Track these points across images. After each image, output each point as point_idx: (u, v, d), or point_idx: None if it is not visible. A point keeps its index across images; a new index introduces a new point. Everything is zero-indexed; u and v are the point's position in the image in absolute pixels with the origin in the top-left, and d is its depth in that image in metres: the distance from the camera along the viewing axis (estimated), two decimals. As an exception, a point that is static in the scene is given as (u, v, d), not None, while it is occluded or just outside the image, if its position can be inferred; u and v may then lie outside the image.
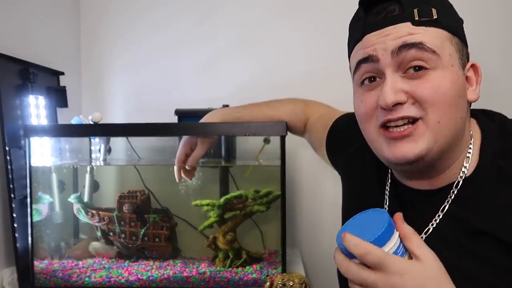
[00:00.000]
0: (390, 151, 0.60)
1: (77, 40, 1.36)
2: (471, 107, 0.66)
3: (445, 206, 0.62)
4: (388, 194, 0.71)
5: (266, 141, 1.00)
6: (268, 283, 0.74)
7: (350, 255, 0.52)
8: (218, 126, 0.92)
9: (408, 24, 0.58)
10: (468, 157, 0.62)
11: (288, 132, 0.95)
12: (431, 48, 0.57)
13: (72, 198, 1.01)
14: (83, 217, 1.00)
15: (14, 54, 1.00)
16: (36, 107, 1.06)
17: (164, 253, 0.99)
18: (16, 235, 0.95)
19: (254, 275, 0.94)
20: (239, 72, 1.33)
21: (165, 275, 0.95)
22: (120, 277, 0.95)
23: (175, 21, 1.34)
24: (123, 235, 0.98)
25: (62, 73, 1.22)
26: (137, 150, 1.10)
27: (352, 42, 0.65)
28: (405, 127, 0.58)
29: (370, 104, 0.61)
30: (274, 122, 0.94)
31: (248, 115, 0.94)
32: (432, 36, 0.58)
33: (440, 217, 0.62)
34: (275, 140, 0.93)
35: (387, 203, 0.70)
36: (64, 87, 1.19)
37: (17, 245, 0.96)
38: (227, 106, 1.10)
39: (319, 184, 1.31)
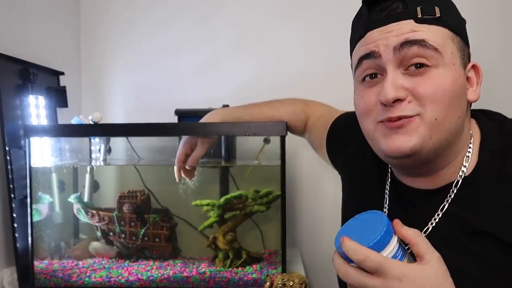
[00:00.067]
0: (387, 144, 0.60)
1: (77, 40, 1.37)
2: (471, 108, 0.66)
3: (445, 205, 0.62)
4: (388, 193, 0.71)
5: (266, 141, 1.00)
6: (268, 283, 0.74)
7: (348, 259, 0.52)
8: (218, 126, 0.92)
9: (411, 21, 0.58)
10: (468, 156, 0.62)
11: (288, 132, 0.95)
12: (433, 45, 0.57)
13: (72, 198, 1.01)
14: (83, 217, 1.00)
15: (14, 54, 1.00)
16: (36, 107, 1.06)
17: (164, 253, 0.99)
18: (16, 235, 0.95)
19: (254, 275, 0.94)
20: (239, 72, 1.33)
21: (165, 275, 0.95)
22: (120, 277, 0.95)
23: (176, 21, 1.34)
24: (123, 235, 0.98)
25: (62, 73, 1.22)
26: (137, 150, 1.10)
27: (355, 40, 0.65)
28: (402, 120, 0.58)
29: (370, 100, 0.61)
30: (274, 122, 0.94)
31: (248, 115, 0.94)
32: (434, 34, 0.58)
33: (440, 216, 0.62)
34: (275, 140, 0.93)
35: (387, 202, 0.70)
36: (64, 87, 1.19)
37: (17, 245, 0.96)
38: (227, 106, 1.10)
39: (319, 184, 1.31)
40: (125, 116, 1.36)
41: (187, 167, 0.92)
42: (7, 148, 0.94)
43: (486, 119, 0.67)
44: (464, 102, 0.61)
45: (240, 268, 0.96)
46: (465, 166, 0.62)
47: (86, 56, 1.38)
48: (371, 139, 0.64)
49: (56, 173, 1.02)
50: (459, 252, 0.58)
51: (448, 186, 0.62)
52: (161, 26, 1.35)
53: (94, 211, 0.99)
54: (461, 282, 0.51)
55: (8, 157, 0.94)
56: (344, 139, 0.85)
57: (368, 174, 0.76)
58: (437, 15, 0.58)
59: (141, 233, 0.98)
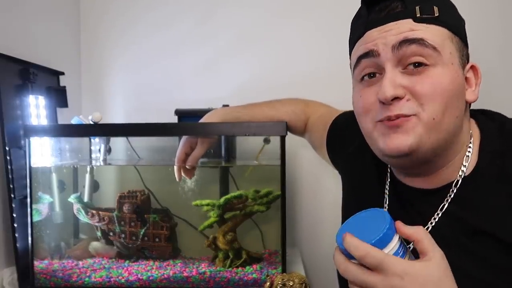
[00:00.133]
0: (385, 143, 0.60)
1: (77, 40, 1.37)
2: (471, 108, 0.66)
3: (444, 205, 0.62)
4: (387, 193, 0.71)
5: (266, 141, 1.00)
6: (268, 283, 0.74)
7: (349, 256, 0.52)
8: (218, 126, 0.92)
9: (410, 20, 0.59)
10: (468, 156, 0.62)
11: (288, 132, 0.95)
12: (432, 44, 0.57)
13: (72, 198, 1.01)
14: (83, 217, 1.00)
15: (14, 54, 1.00)
16: (36, 107, 1.06)
17: (164, 253, 0.99)
18: (16, 235, 0.95)
19: (254, 275, 0.94)
20: (239, 72, 1.33)
21: (165, 275, 0.95)
22: (120, 277, 0.95)
23: (176, 21, 1.34)
24: (123, 235, 0.98)
25: (62, 73, 1.22)
26: (137, 150, 1.10)
27: (354, 39, 0.66)
28: (400, 119, 0.58)
29: (369, 99, 0.62)
30: (274, 122, 0.94)
31: (248, 115, 0.94)
32: (433, 33, 0.58)
33: (439, 216, 0.62)
34: (275, 140, 0.93)
35: (387, 202, 0.70)
36: (64, 87, 1.19)
37: (17, 245, 0.96)
38: (227, 106, 1.10)
39: (319, 184, 1.31)
40: (125, 116, 1.36)
41: (187, 166, 0.92)
42: (7, 148, 0.94)
43: (486, 119, 0.67)
44: (463, 102, 0.61)
45: (240, 268, 0.96)
46: (465, 166, 0.62)
47: (86, 56, 1.38)
48: (369, 138, 0.64)
49: (56, 173, 1.02)
50: (459, 252, 0.58)
51: (448, 186, 0.62)
52: (161, 26, 1.35)
53: (94, 211, 0.99)
54: (461, 282, 0.51)
55: (8, 157, 0.94)
56: (344, 139, 0.85)
57: (367, 174, 0.76)
58: (436, 15, 0.58)
59: (141, 233, 0.98)
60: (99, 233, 1.01)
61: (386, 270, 0.48)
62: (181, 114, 1.13)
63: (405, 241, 0.54)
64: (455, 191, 0.62)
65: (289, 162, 1.04)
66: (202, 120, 0.94)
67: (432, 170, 0.63)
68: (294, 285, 0.72)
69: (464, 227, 0.59)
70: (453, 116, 0.59)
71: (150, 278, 0.95)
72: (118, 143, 1.09)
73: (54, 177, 1.02)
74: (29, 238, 0.95)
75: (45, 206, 0.99)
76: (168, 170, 0.96)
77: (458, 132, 0.61)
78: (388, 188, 0.71)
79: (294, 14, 1.31)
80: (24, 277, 0.95)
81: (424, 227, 0.62)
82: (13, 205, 0.95)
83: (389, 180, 0.71)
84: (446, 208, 0.62)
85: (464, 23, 0.64)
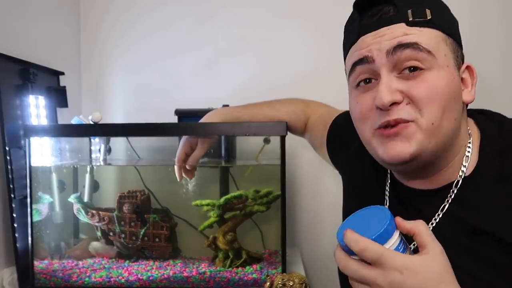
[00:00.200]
0: (385, 151, 0.60)
1: (77, 40, 1.37)
2: (468, 108, 0.66)
3: (445, 206, 0.62)
4: (388, 195, 0.71)
5: (266, 141, 1.00)
6: (268, 283, 0.74)
7: (350, 252, 0.52)
8: (218, 126, 0.92)
9: (403, 25, 0.58)
10: (468, 156, 0.62)
11: (288, 132, 0.95)
12: (426, 48, 0.57)
13: (72, 198, 1.01)
14: (83, 217, 1.00)
15: (14, 54, 1.00)
16: (36, 107, 1.06)
17: (164, 253, 0.99)
18: (16, 235, 0.95)
19: (254, 275, 0.94)
20: (239, 72, 1.33)
21: (165, 275, 0.95)
22: (120, 277, 0.95)
23: (176, 21, 1.34)
24: (123, 235, 0.98)
25: (62, 73, 1.22)
26: (137, 150, 1.10)
27: (347, 45, 0.65)
28: (398, 125, 0.58)
29: (366, 105, 0.61)
30: (274, 122, 0.94)
31: (248, 115, 0.94)
32: (427, 36, 0.58)
33: (440, 216, 0.62)
34: (275, 140, 0.93)
35: (387, 203, 0.70)
36: (64, 87, 1.19)
37: (17, 245, 0.96)
38: (227, 106, 1.10)
39: (319, 184, 1.31)
40: (125, 116, 1.36)
41: (187, 167, 0.92)
42: (7, 148, 0.94)
43: (485, 119, 0.67)
44: (460, 104, 0.61)
45: (240, 268, 0.96)
46: (465, 166, 0.62)
47: (86, 56, 1.38)
48: (368, 146, 0.64)
49: (56, 173, 1.02)
50: (459, 252, 0.58)
51: (448, 186, 0.62)
52: (161, 26, 1.35)
53: (94, 211, 0.99)
54: (461, 280, 0.51)
55: (8, 157, 0.94)
56: (344, 139, 0.85)
57: (368, 175, 0.76)
58: (429, 18, 0.58)
59: (141, 233, 0.98)
60: (99, 233, 1.01)
61: (385, 264, 0.48)
62: (181, 114, 1.13)
63: (407, 241, 0.54)
64: (455, 191, 0.62)
65: (289, 162, 1.04)
66: (202, 120, 0.94)
67: (432, 172, 0.63)
68: (294, 285, 0.72)
69: (464, 227, 0.59)
70: (452, 119, 0.59)
71: (150, 278, 0.95)
72: (118, 143, 1.09)
73: (54, 177, 1.02)
74: (29, 238, 0.95)
75: (45, 206, 0.99)
76: (168, 170, 0.96)
77: (457, 134, 0.61)
78: (388, 190, 0.71)
79: (294, 14, 1.31)
80: (24, 277, 0.95)
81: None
82: (13, 205, 0.95)
83: (389, 181, 0.71)
84: (446, 208, 0.62)
85: (457, 24, 0.63)
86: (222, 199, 0.96)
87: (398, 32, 0.58)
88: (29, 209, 0.95)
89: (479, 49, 1.20)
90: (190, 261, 1.00)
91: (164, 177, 1.01)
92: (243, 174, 1.04)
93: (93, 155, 1.13)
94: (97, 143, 1.09)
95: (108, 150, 1.06)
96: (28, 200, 0.95)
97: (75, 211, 1.01)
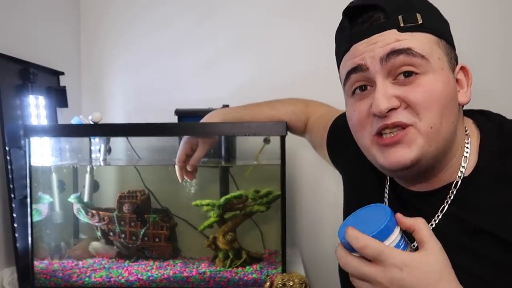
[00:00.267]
0: (385, 159, 0.60)
1: (77, 40, 1.37)
2: (468, 108, 0.66)
3: (445, 207, 0.62)
4: (387, 197, 0.71)
5: (266, 141, 1.00)
6: (268, 283, 0.74)
7: (352, 250, 0.52)
8: (218, 126, 0.92)
9: (394, 31, 0.58)
10: (466, 156, 0.62)
11: (288, 132, 0.95)
12: (420, 53, 0.57)
13: (72, 198, 1.01)
14: (83, 217, 1.00)
15: (14, 54, 1.00)
16: (36, 107, 1.06)
17: (164, 253, 0.99)
18: (16, 235, 0.95)
19: (254, 275, 0.94)
20: (239, 72, 1.33)
21: (165, 275, 0.95)
22: (120, 277, 0.95)
23: (176, 21, 1.34)
24: (123, 235, 0.98)
25: (62, 73, 1.22)
26: (137, 150, 1.10)
27: (340, 54, 0.65)
28: (397, 132, 0.58)
29: (363, 113, 0.61)
30: (274, 122, 0.94)
31: (248, 115, 0.94)
32: (419, 41, 0.58)
33: (440, 217, 0.62)
34: (275, 140, 0.93)
35: (387, 205, 0.70)
36: (64, 87, 1.19)
37: (17, 245, 0.96)
38: (227, 106, 1.10)
39: (319, 184, 1.31)
40: (125, 116, 1.36)
41: (188, 168, 0.92)
42: (7, 148, 0.94)
43: (485, 120, 0.67)
44: (456, 105, 0.61)
45: (240, 268, 0.96)
46: (463, 167, 0.62)
47: (86, 56, 1.38)
48: (368, 153, 0.64)
49: (56, 173, 1.02)
50: (460, 251, 0.58)
51: (447, 187, 0.62)
52: (161, 26, 1.35)
53: (94, 211, 0.99)
54: (461, 279, 0.51)
55: (8, 157, 0.94)
56: (344, 139, 0.85)
57: (367, 177, 0.76)
58: (420, 22, 0.58)
59: (141, 233, 0.98)
60: (99, 233, 1.01)
61: (385, 261, 0.49)
62: (181, 114, 1.13)
63: (409, 240, 0.54)
64: (454, 192, 0.62)
65: (289, 162, 1.04)
66: (202, 121, 0.94)
67: (431, 175, 0.63)
68: (294, 285, 0.72)
69: (464, 227, 0.59)
70: (450, 121, 0.59)
71: (150, 278, 0.95)
72: (118, 143, 1.09)
73: (54, 177, 1.02)
74: (29, 238, 0.95)
75: (45, 206, 0.99)
76: (168, 170, 0.96)
77: (454, 136, 0.61)
78: (387, 191, 0.71)
79: (294, 14, 1.31)
80: (24, 277, 0.96)
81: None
82: (13, 205, 0.95)
83: (388, 183, 0.72)
84: (446, 209, 0.62)
85: (449, 25, 0.63)
86: (222, 199, 0.96)
87: (390, 38, 0.58)
88: (29, 209, 0.95)
89: (479, 49, 1.20)
90: (190, 261, 1.00)
91: (164, 177, 1.01)
92: (243, 174, 1.04)
93: (93, 155, 1.13)
94: (97, 143, 1.09)
95: (108, 150, 1.06)
96: (28, 200, 0.95)
97: (75, 211, 1.01)
